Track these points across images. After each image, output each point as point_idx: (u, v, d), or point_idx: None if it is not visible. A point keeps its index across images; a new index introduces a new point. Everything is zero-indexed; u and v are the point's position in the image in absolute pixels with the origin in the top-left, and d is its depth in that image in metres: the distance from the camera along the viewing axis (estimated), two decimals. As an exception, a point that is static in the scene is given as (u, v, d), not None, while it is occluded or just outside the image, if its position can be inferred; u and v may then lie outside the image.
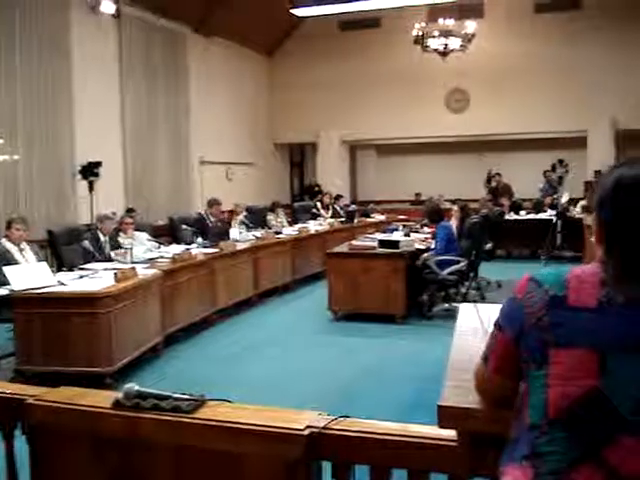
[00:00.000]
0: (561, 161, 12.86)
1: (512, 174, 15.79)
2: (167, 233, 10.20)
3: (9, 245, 6.55)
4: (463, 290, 8.78)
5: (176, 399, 2.12)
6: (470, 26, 13.44)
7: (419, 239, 9.21)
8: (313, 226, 11.94)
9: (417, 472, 1.91)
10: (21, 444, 2.33)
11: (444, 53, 13.56)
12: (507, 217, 12.93)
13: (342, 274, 8.14)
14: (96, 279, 6.22)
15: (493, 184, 15.42)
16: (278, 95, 18.11)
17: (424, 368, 5.85)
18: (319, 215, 13.58)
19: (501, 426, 1.54)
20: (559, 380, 1.32)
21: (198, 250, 8.29)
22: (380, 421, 2.03)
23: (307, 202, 15.74)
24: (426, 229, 10.07)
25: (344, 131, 17.69)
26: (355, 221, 13.02)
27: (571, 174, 12.90)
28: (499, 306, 1.55)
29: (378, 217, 14.30)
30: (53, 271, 6.49)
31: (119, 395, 2.17)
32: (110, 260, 7.24)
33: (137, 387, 2.16)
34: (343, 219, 12.98)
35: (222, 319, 8.23)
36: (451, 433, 1.78)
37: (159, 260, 7.43)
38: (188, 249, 8.14)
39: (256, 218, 11.60)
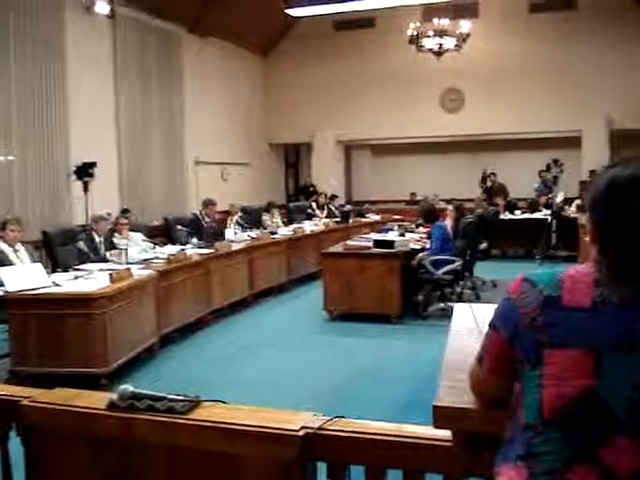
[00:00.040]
0: (556, 161, 12.87)
1: (507, 174, 15.82)
2: (162, 234, 10.18)
3: (4, 246, 6.53)
4: (458, 290, 8.80)
5: (171, 400, 2.12)
6: (465, 26, 13.45)
7: (414, 239, 9.21)
8: (308, 226, 11.94)
9: (412, 472, 1.91)
10: (16, 446, 2.33)
11: (439, 53, 13.55)
12: (502, 217, 12.93)
13: (337, 274, 8.14)
14: (91, 280, 6.21)
15: (488, 184, 15.45)
16: (273, 95, 18.10)
17: (419, 368, 5.86)
18: (314, 215, 13.57)
19: (496, 426, 1.54)
20: (554, 380, 1.32)
21: (193, 250, 8.28)
22: (375, 421, 2.04)
23: (302, 202, 15.72)
24: (421, 229, 10.08)
25: (339, 131, 17.69)
26: (350, 221, 13.01)
27: (566, 174, 12.92)
28: (494, 306, 1.55)
29: (373, 217, 14.30)
30: (48, 272, 6.48)
31: (114, 396, 2.17)
32: (105, 261, 7.23)
33: (132, 388, 2.16)
34: (338, 219, 12.98)
35: (217, 319, 8.22)
36: (446, 433, 1.78)
37: (154, 261, 7.42)
38: (183, 249, 8.13)
39: (251, 218, 11.59)
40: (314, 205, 14.12)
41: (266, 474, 1.99)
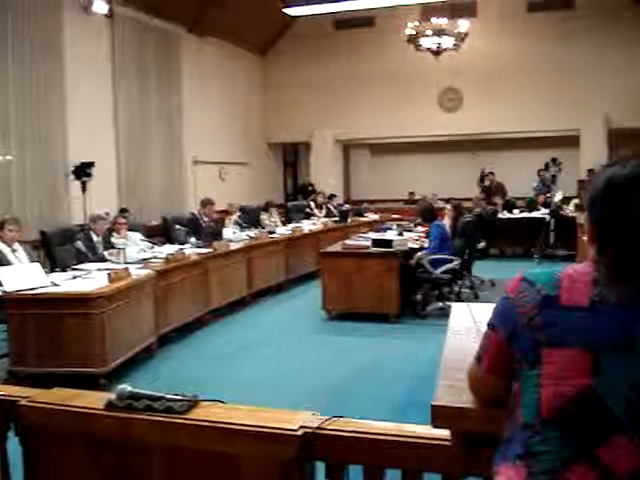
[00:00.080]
0: (554, 160, 12.88)
1: (505, 173, 15.81)
2: (160, 233, 10.18)
3: (2, 246, 6.53)
4: (457, 289, 8.80)
5: (169, 400, 2.12)
6: (463, 25, 13.44)
7: (412, 238, 9.21)
8: (307, 226, 11.93)
9: (411, 472, 1.92)
10: (14, 446, 2.33)
11: (437, 52, 13.56)
12: (500, 216, 12.95)
13: (336, 273, 8.14)
14: (89, 280, 6.20)
15: (486, 183, 15.43)
16: (271, 95, 18.09)
17: (418, 367, 5.87)
18: (313, 214, 13.58)
19: (495, 426, 1.54)
20: (552, 380, 1.32)
21: (191, 250, 8.28)
22: (374, 421, 2.04)
23: (301, 202, 15.73)
24: (419, 228, 10.08)
25: (337, 130, 17.68)
26: (349, 220, 13.01)
27: (564, 173, 12.93)
28: (491, 305, 1.55)
29: (372, 216, 14.30)
30: (46, 272, 6.47)
31: (112, 396, 2.17)
32: (103, 260, 7.22)
33: (130, 388, 2.16)
34: (337, 218, 12.98)
35: (216, 319, 8.22)
36: (445, 433, 1.78)
37: (152, 260, 7.41)
38: (181, 249, 8.13)
39: (250, 218, 11.59)
40: (312, 204, 14.13)
41: (265, 474, 1.99)
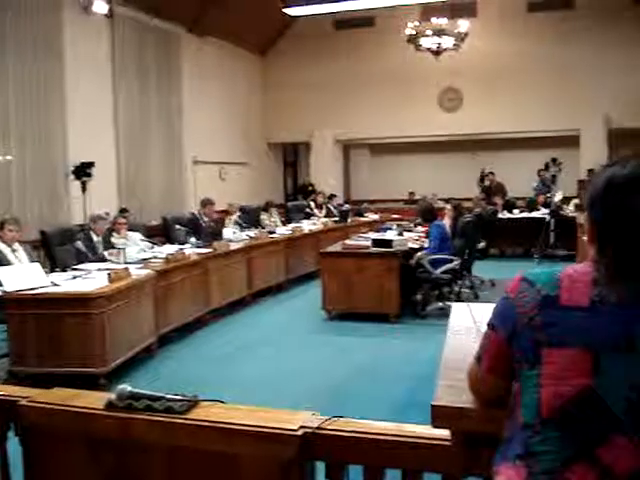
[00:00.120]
0: (554, 160, 12.88)
1: (505, 173, 15.81)
2: (160, 233, 10.18)
3: (2, 246, 6.53)
4: (457, 289, 8.80)
5: (169, 400, 2.12)
6: (463, 25, 13.44)
7: (412, 238, 9.21)
8: (307, 226, 11.93)
9: (411, 472, 1.92)
10: (14, 446, 2.33)
11: (437, 52, 13.55)
12: (500, 216, 12.95)
13: (336, 273, 8.14)
14: (89, 280, 6.20)
15: (486, 183, 15.43)
16: (271, 95, 18.09)
17: (418, 367, 5.87)
18: (313, 214, 13.58)
19: (495, 426, 1.54)
20: (552, 380, 1.32)
21: (191, 250, 8.27)
22: (374, 421, 2.04)
23: (301, 202, 15.72)
24: (419, 228, 10.08)
25: (337, 130, 17.68)
26: (349, 220, 13.01)
27: (564, 173, 12.93)
28: (492, 305, 1.55)
29: (372, 216, 14.30)
30: (46, 272, 6.47)
31: (112, 396, 2.17)
32: (103, 260, 7.22)
33: (130, 388, 2.16)
34: (337, 218, 12.98)
35: (216, 319, 8.22)
36: (445, 433, 1.78)
37: (152, 260, 7.41)
38: (181, 249, 8.13)
39: (250, 218, 11.59)
40: (312, 204, 14.13)
41: (265, 474, 1.99)
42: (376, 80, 16.78)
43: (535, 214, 13.28)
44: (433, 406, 1.70)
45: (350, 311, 8.08)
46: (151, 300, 6.69)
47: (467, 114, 16.49)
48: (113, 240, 7.83)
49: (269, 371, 6.15)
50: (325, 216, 13.44)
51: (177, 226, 9.75)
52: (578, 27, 15.03)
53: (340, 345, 7.08)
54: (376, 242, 8.34)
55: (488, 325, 1.52)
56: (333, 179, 18.09)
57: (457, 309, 2.59)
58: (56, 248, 7.46)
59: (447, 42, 13.40)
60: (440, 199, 14.92)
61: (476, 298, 8.70)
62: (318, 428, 1.95)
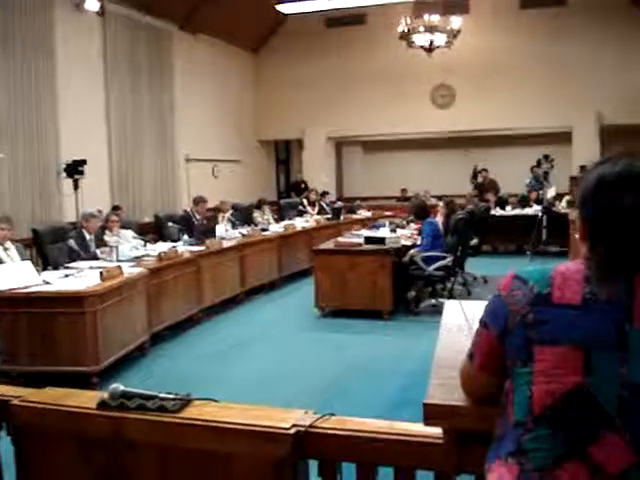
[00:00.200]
0: (547, 156, 12.92)
1: (498, 170, 15.83)
2: (153, 231, 10.17)
3: (-7, 244, 6.51)
4: (449, 286, 8.82)
5: (162, 399, 2.11)
6: (455, 22, 13.42)
7: (405, 235, 9.23)
8: (299, 223, 11.94)
9: (403, 469, 1.91)
10: (6, 445, 2.32)
11: (429, 49, 13.53)
12: (493, 212, 12.98)
13: (329, 271, 8.14)
14: (82, 278, 6.18)
15: (479, 180, 15.46)
16: (264, 92, 18.06)
17: (411, 364, 5.88)
18: (305, 212, 13.59)
19: (487, 423, 1.54)
20: (544, 377, 1.33)
21: (184, 248, 8.27)
22: (367, 418, 2.03)
23: (293, 199, 15.73)
24: (412, 225, 10.09)
25: (330, 128, 17.66)
26: (341, 218, 13.02)
27: (556, 169, 12.96)
28: (484, 303, 1.55)
29: (364, 214, 14.31)
30: (38, 270, 6.46)
31: (104, 395, 2.16)
32: (96, 258, 7.20)
33: (122, 387, 2.15)
34: (329, 216, 12.98)
35: (208, 317, 8.22)
36: (437, 430, 1.78)
37: (145, 258, 7.40)
38: (174, 247, 8.12)
39: (242, 215, 11.58)
40: (305, 202, 14.13)
41: (257, 472, 1.99)
42: (368, 77, 16.78)
43: (527, 211, 13.32)
44: (425, 404, 1.70)
45: (343, 308, 8.09)
46: (144, 298, 6.68)
47: (460, 111, 16.48)
48: (105, 238, 7.82)
49: (262, 369, 6.15)
50: (318, 213, 13.46)
51: (170, 224, 9.74)
52: (571, 24, 15.06)
53: (333, 342, 7.09)
54: (369, 239, 8.35)
55: (480, 323, 1.52)
56: (325, 176, 18.08)
57: (450, 306, 2.59)
58: (48, 246, 7.44)
59: (439, 39, 13.37)
60: (433, 196, 14.97)
61: (469, 295, 8.72)
62: (311, 426, 1.95)
